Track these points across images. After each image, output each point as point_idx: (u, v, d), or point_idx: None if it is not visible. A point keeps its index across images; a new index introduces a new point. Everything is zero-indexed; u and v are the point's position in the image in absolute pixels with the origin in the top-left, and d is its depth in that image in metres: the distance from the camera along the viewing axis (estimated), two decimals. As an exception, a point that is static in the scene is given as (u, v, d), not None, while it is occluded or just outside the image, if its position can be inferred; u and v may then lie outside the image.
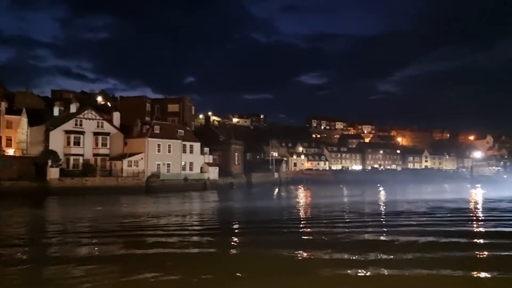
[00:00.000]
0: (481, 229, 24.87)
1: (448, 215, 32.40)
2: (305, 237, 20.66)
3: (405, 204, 43.82)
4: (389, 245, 18.46)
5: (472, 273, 13.86)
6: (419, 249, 17.35)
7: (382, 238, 20.26)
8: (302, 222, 28.79)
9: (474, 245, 19.09)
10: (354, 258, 15.51)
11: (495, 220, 29.59)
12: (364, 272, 13.59)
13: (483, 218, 31.20)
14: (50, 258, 16.51)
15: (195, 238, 20.49)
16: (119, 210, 37.08)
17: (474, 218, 31.35)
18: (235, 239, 20.45)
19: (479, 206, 43.46)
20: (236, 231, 24.68)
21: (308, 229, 23.79)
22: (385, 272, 13.61)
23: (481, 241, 20.24)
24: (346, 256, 15.76)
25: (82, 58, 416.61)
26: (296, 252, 16.34)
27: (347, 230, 22.71)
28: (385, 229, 23.62)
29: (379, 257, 15.68)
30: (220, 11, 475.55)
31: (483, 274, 13.83)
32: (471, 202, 49.05)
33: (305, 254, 16.12)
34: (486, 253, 17.11)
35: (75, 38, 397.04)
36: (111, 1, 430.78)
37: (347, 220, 28.80)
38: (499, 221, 28.66)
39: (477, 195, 60.49)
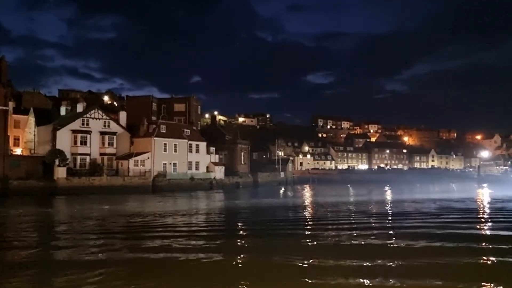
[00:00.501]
0: (492, 232, 24.20)
1: (457, 216, 32.07)
2: (312, 241, 20.35)
3: (413, 204, 43.57)
4: (397, 250, 18.08)
5: (484, 284, 13.44)
6: (429, 255, 16.92)
7: (390, 242, 19.80)
8: (309, 224, 28.65)
9: (485, 251, 18.59)
10: (362, 264, 15.21)
11: (505, 221, 29.25)
12: (373, 281, 13.21)
13: (493, 219, 30.74)
14: (56, 262, 16.49)
15: (200, 242, 20.31)
16: (126, 209, 37.23)
17: (484, 219, 30.99)
18: (241, 243, 20.23)
19: (488, 206, 43.04)
20: (242, 233, 24.55)
21: (315, 231, 23.55)
22: (395, 281, 13.19)
23: (493, 246, 19.58)
24: (354, 262, 15.44)
25: (89, 58, 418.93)
26: (302, 258, 16.00)
27: (354, 233, 22.42)
28: (393, 232, 23.34)
29: (388, 264, 15.33)
30: (226, 11, 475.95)
31: (493, 285, 13.42)
32: (479, 202, 48.63)
33: (312, 260, 15.75)
34: (499, 260, 16.54)
35: (82, 38, 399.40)
36: (118, 1, 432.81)
37: (353, 221, 28.59)
38: (509, 223, 28.38)
39: (485, 195, 60.00)
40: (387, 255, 16.79)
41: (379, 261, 15.61)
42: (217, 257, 16.39)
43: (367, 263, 15.39)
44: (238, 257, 16.65)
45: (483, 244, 20.09)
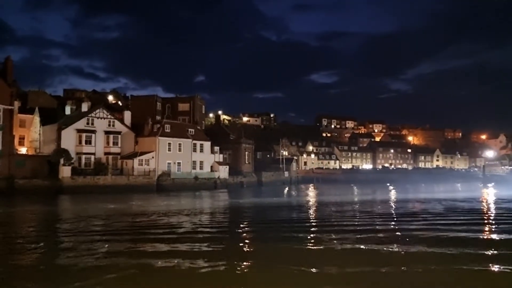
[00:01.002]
0: (500, 236, 23.47)
1: (464, 217, 31.59)
2: (316, 245, 20.02)
3: (418, 204, 43.32)
4: (403, 256, 17.73)
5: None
6: (436, 261, 16.49)
7: (396, 246, 19.36)
8: (313, 225, 28.36)
9: (494, 257, 18.12)
10: (368, 271, 14.89)
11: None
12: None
13: (500, 221, 30.27)
14: (61, 265, 16.27)
15: (203, 244, 19.99)
16: (130, 209, 37.31)
17: (491, 221, 30.61)
18: (244, 246, 19.93)
19: (494, 207, 42.66)
20: (245, 235, 24.25)
21: (319, 234, 23.19)
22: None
23: (501, 252, 18.99)
24: (359, 269, 15.11)
25: (94, 57, 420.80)
26: (307, 264, 15.67)
27: (359, 236, 22.07)
28: (399, 234, 23.02)
29: (394, 271, 15.00)
30: (231, 10, 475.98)
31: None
32: (485, 202, 48.23)
33: (316, 267, 15.39)
34: (509, 267, 15.99)
35: (87, 37, 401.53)
36: (122, 1, 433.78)
37: (358, 223, 28.35)
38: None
39: (490, 195, 59.62)
40: (394, 261, 16.46)
41: (385, 268, 15.22)
42: (219, 262, 16.10)
43: (373, 269, 15.07)
44: (241, 262, 16.32)
45: (492, 249, 19.52)
